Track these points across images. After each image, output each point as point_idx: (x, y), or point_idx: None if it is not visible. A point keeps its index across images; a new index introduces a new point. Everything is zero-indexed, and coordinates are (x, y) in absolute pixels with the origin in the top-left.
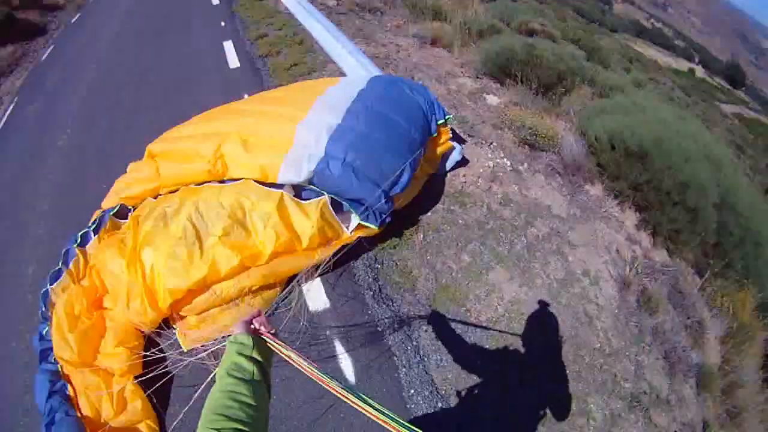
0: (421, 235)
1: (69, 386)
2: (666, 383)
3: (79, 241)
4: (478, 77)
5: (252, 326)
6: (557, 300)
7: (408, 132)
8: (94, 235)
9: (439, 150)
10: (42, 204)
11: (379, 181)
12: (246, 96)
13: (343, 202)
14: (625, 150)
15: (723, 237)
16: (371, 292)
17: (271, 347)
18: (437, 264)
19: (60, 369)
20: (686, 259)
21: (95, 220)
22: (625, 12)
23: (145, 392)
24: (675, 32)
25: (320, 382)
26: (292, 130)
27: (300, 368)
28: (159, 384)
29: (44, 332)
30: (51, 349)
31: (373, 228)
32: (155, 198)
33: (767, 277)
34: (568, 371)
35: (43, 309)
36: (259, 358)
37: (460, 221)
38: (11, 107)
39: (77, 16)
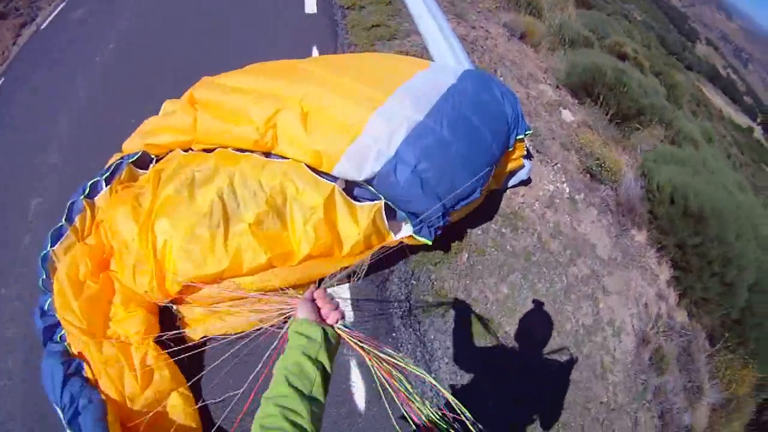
0: (466, 255)
1: (85, 365)
2: None
3: (87, 191)
4: (558, 87)
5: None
6: (580, 349)
7: (490, 147)
8: (106, 185)
9: (510, 166)
10: (60, 127)
11: (444, 197)
12: (315, 50)
13: (398, 211)
14: (684, 208)
15: (745, 316)
16: (400, 312)
17: (348, 342)
18: (474, 291)
19: (68, 348)
20: (704, 325)
21: (110, 165)
22: (706, 54)
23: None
24: (747, 88)
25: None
26: (366, 115)
27: (375, 368)
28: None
29: (46, 306)
30: (56, 325)
31: (424, 242)
32: (185, 151)
33: None
34: (573, 425)
35: (44, 277)
36: (325, 361)
37: (509, 247)
38: (62, 5)
39: None
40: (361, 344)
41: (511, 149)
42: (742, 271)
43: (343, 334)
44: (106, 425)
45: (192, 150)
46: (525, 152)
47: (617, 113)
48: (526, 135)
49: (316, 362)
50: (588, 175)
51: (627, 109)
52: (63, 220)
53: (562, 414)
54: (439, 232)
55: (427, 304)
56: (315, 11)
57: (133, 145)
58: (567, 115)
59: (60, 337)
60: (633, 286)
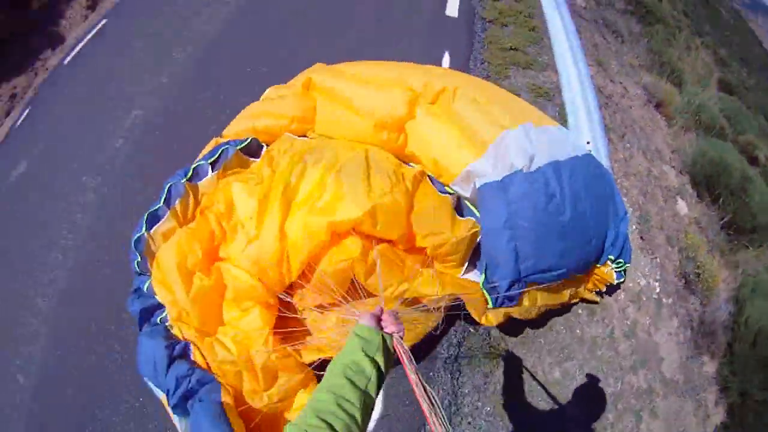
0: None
1: (192, 347)
2: None
3: (189, 175)
4: (681, 172)
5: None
6: None
7: (589, 239)
8: (213, 170)
9: (584, 293)
10: None
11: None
12: (446, 56)
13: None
14: (764, 356)
15: None
16: (446, 354)
17: (399, 353)
18: (527, 362)
19: (169, 328)
20: None
21: (214, 150)
22: None
23: None
24: None
25: (425, 411)
26: (496, 131)
27: (414, 386)
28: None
29: (145, 287)
30: (156, 307)
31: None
32: (301, 137)
33: None
34: None
35: (139, 260)
36: (381, 361)
37: (578, 331)
38: None
39: None
40: (410, 360)
41: (600, 265)
42: None
43: (397, 345)
44: (225, 416)
45: (306, 137)
46: (604, 288)
47: (732, 222)
48: (618, 264)
49: (373, 361)
50: (683, 281)
51: (743, 222)
52: (161, 202)
53: None
54: (506, 302)
55: (475, 357)
56: (456, 15)
57: (236, 128)
58: (682, 206)
59: (160, 319)
60: (682, 418)
